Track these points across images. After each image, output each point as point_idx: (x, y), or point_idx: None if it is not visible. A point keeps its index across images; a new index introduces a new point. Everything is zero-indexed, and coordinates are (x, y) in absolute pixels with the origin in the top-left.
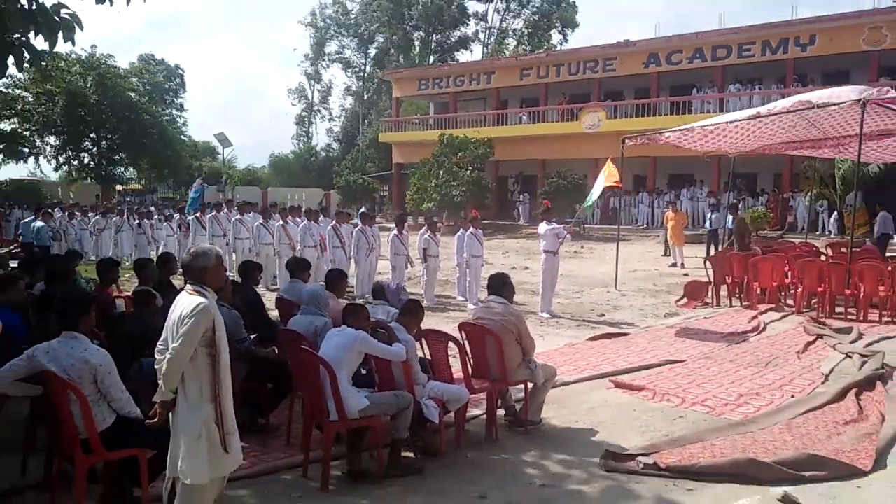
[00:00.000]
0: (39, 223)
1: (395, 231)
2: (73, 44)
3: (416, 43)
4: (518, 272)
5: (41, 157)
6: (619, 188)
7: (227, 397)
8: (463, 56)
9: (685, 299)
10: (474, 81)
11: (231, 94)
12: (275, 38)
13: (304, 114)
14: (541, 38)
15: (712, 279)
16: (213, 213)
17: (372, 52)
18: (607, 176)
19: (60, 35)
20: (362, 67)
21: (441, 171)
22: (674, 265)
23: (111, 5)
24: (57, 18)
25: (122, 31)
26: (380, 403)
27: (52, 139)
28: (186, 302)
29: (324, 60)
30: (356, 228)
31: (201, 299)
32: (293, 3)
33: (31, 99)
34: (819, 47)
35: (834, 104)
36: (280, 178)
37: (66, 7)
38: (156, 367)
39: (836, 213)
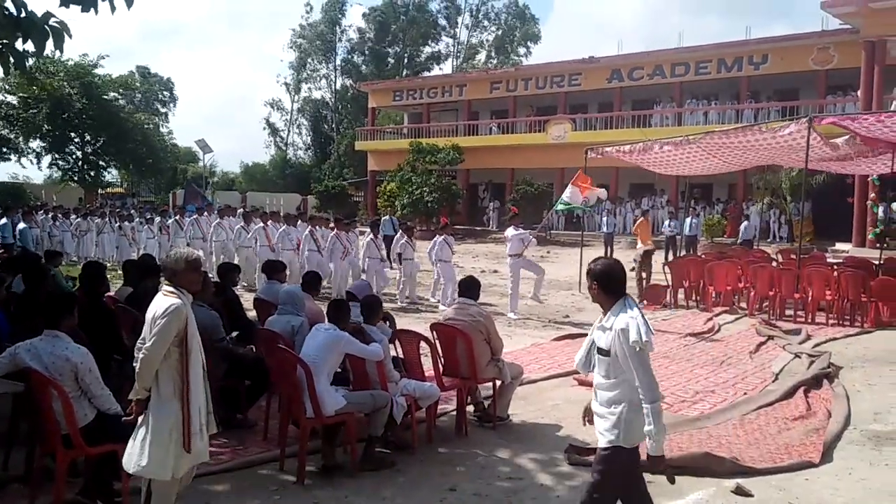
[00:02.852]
0: (23, 224)
1: (370, 235)
2: (62, 52)
3: (390, 59)
4: (487, 275)
5: (25, 160)
6: (592, 192)
7: (195, 397)
8: (434, 70)
9: (645, 302)
10: (447, 93)
11: (219, 102)
12: (264, 48)
13: (278, 123)
14: (507, 53)
15: (671, 283)
16: (193, 217)
17: (338, 62)
18: (591, 191)
19: (50, 42)
20: (334, 79)
21: (414, 178)
22: (633, 269)
23: (96, 13)
24: (46, 27)
25: (117, 40)
26: (357, 402)
27: (36, 143)
28: (160, 303)
29: (304, 73)
30: (332, 233)
31: (175, 300)
32: (284, 16)
33: (15, 103)
34: (771, 66)
35: (783, 123)
36: (254, 185)
37: (55, 16)
38: (134, 364)
39: (785, 220)
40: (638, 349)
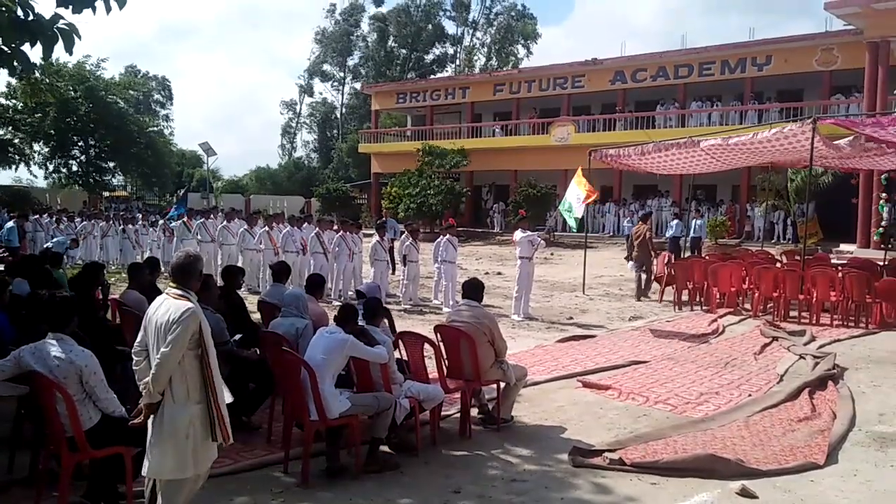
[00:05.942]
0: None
1: (376, 237)
2: (71, 54)
3: (396, 62)
4: (491, 277)
5: (31, 164)
6: (596, 198)
7: (221, 394)
8: (437, 72)
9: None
10: (450, 96)
11: (225, 105)
12: (274, 51)
13: (290, 125)
14: (507, 53)
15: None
16: (201, 220)
17: (350, 65)
18: (587, 192)
19: (60, 45)
20: (342, 81)
21: (421, 180)
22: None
23: (94, 13)
24: (56, 29)
25: (134, 39)
26: (361, 405)
27: (41, 147)
28: (173, 306)
29: (318, 76)
30: (338, 235)
31: (188, 304)
32: (297, 17)
33: (21, 108)
34: (775, 67)
35: (786, 124)
36: (264, 188)
37: (64, 18)
38: (134, 368)
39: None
40: None
